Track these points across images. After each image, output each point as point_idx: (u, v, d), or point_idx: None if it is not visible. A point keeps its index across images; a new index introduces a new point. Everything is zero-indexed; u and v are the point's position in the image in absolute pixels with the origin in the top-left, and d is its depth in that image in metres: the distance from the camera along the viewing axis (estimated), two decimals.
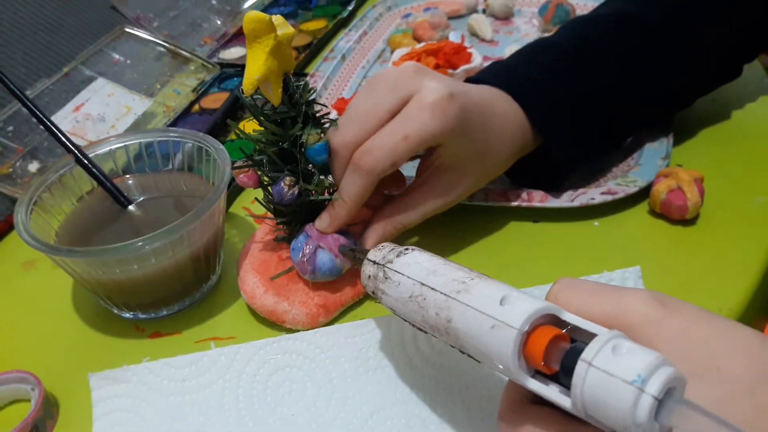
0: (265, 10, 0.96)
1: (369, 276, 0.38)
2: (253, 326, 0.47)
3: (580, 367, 0.27)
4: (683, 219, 0.52)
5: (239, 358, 0.43)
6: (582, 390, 0.27)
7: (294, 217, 0.46)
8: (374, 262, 0.38)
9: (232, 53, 0.86)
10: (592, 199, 0.54)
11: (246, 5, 0.96)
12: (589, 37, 0.56)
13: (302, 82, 0.43)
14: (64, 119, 0.68)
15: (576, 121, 0.53)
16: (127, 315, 0.49)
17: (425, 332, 0.36)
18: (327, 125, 0.45)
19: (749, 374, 0.29)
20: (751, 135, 0.62)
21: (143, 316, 0.48)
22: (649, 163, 0.57)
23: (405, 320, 0.37)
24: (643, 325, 0.30)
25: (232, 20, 0.92)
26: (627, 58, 0.55)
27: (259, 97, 0.42)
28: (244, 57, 0.84)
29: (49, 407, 0.43)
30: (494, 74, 0.53)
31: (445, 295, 0.33)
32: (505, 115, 0.50)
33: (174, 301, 0.48)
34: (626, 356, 0.27)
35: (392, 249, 0.38)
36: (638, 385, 0.26)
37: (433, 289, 0.34)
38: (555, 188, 0.55)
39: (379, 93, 0.44)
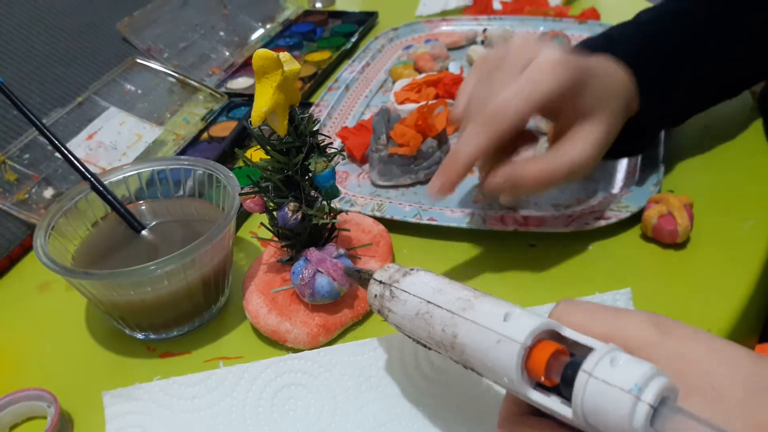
0: (271, 41, 0.99)
1: (375, 295, 0.40)
2: (258, 346, 0.49)
3: (581, 378, 0.29)
4: (674, 243, 0.54)
5: (246, 377, 0.45)
6: (582, 399, 0.29)
7: (297, 240, 0.48)
8: (381, 282, 0.40)
9: (239, 83, 0.89)
10: (587, 224, 0.56)
11: (253, 37, 0.99)
12: (679, 11, 0.59)
13: (307, 114, 0.45)
14: (77, 147, 0.71)
15: (672, 84, 0.56)
16: (139, 336, 0.51)
17: (429, 348, 0.38)
18: (332, 153, 0.47)
19: (742, 392, 0.30)
20: (741, 161, 0.65)
21: (154, 336, 0.50)
22: (641, 189, 0.59)
23: (410, 337, 0.39)
24: (639, 347, 0.32)
25: (240, 51, 0.95)
26: (719, 28, 0.58)
27: (266, 127, 0.45)
28: (251, 87, 0.87)
29: (64, 424, 0.45)
30: (595, 45, 0.56)
31: (451, 312, 0.35)
32: (616, 72, 0.52)
33: (184, 321, 0.50)
34: (623, 367, 0.29)
35: (398, 269, 0.40)
36: (635, 393, 0.27)
37: (439, 306, 0.36)
38: (637, 153, 0.60)
39: (502, 68, 0.48)
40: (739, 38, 0.59)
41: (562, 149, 0.48)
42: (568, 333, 0.32)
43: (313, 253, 0.47)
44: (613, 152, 0.53)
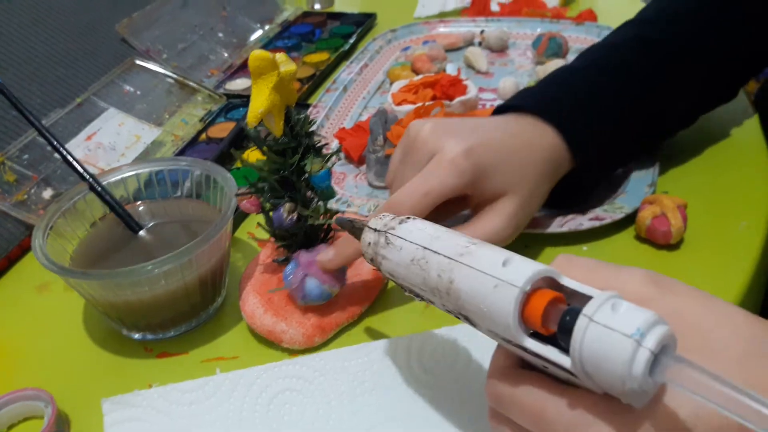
0: (270, 42, 1.00)
1: (369, 243, 0.39)
2: (254, 346, 0.50)
3: (581, 322, 0.29)
4: (668, 244, 0.55)
5: (243, 383, 0.46)
6: (581, 345, 0.28)
7: (293, 240, 0.49)
8: (375, 230, 0.39)
9: (237, 84, 0.90)
10: (581, 225, 0.56)
11: (252, 38, 0.99)
12: (609, 60, 0.59)
13: (303, 115, 0.46)
14: (77, 147, 0.71)
15: (606, 145, 0.56)
16: (136, 336, 0.51)
17: (421, 298, 0.37)
18: (328, 154, 0.48)
19: (738, 351, 0.30)
20: (736, 162, 0.65)
21: (151, 336, 0.51)
22: (635, 191, 0.59)
23: (403, 286, 0.38)
24: (637, 303, 0.31)
25: (238, 53, 0.95)
26: (645, 79, 0.58)
27: (263, 128, 0.45)
28: (249, 88, 0.88)
29: (61, 424, 0.45)
30: (524, 100, 0.56)
31: (449, 257, 0.34)
32: (538, 141, 0.52)
33: (181, 322, 0.51)
34: (625, 313, 0.28)
35: (393, 218, 0.39)
36: (637, 338, 0.27)
37: (436, 252, 0.35)
38: (576, 205, 0.58)
39: (409, 159, 0.50)
40: (670, 91, 0.59)
41: (478, 224, 0.50)
42: (566, 282, 0.31)
43: (302, 255, 0.47)
44: (557, 203, 0.56)
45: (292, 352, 0.48)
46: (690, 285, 0.33)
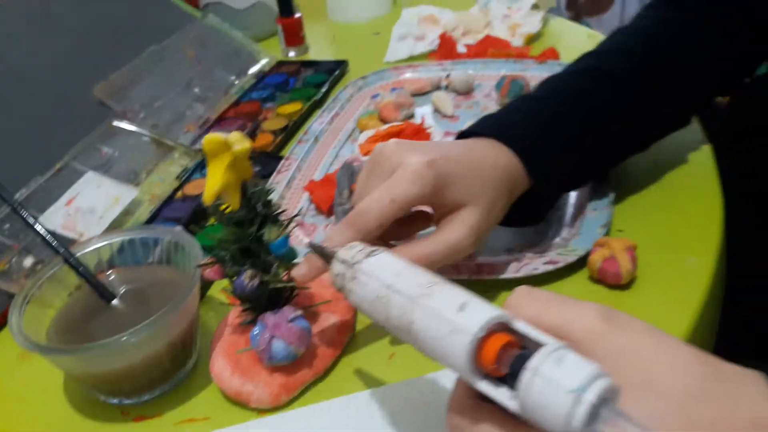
0: (245, 94, 1.03)
1: (337, 274, 0.41)
2: (225, 406, 0.52)
3: (526, 374, 0.30)
4: (619, 284, 0.57)
5: None
6: (526, 395, 0.30)
7: (257, 303, 0.51)
8: (343, 261, 0.41)
9: None
10: (536, 269, 0.59)
11: (228, 92, 1.03)
12: (566, 89, 0.63)
13: (259, 188, 0.49)
14: (57, 212, 0.74)
15: (560, 164, 0.59)
16: (113, 401, 0.53)
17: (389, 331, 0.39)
18: (286, 222, 0.51)
19: (683, 391, 0.31)
20: (686, 198, 0.67)
21: (128, 401, 0.53)
22: (588, 232, 0.62)
23: (370, 317, 0.40)
24: (587, 339, 0.33)
25: (214, 107, 0.98)
26: (598, 108, 0.62)
27: (221, 202, 0.48)
28: None
29: None
30: (484, 125, 0.60)
31: (409, 298, 0.36)
32: (494, 160, 0.56)
33: (155, 386, 0.53)
34: (568, 366, 0.30)
35: (361, 249, 0.41)
36: (576, 395, 0.29)
37: (398, 291, 0.37)
38: (535, 223, 0.63)
39: (375, 172, 0.53)
40: (623, 118, 0.63)
41: (441, 235, 0.53)
42: (519, 326, 0.33)
43: (268, 318, 0.50)
44: (516, 221, 0.59)
45: (261, 411, 0.51)
46: (642, 321, 0.35)
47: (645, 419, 0.30)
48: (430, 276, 0.37)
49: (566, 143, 0.60)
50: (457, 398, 0.37)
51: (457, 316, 0.34)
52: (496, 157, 0.56)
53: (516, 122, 0.60)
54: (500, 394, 0.32)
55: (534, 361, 0.31)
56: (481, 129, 0.59)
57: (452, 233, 0.52)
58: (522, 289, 0.37)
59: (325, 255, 0.44)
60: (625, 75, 0.63)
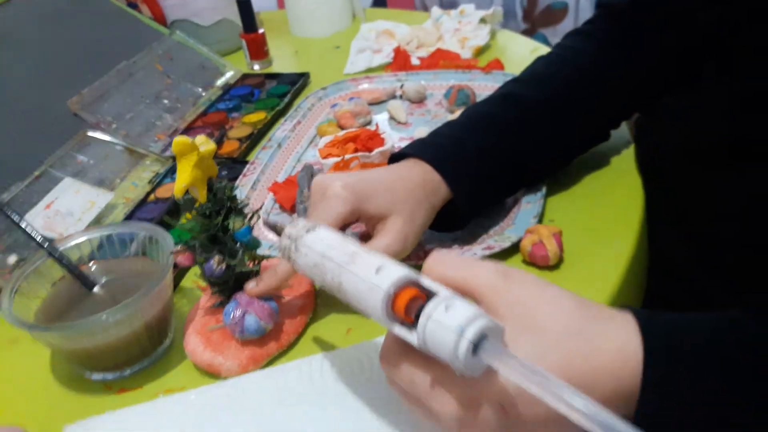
0: (212, 105, 1.09)
1: (284, 247, 0.48)
2: (199, 378, 0.58)
3: (422, 319, 0.38)
4: (548, 266, 0.65)
5: (181, 404, 0.55)
6: (424, 335, 0.38)
7: (225, 286, 0.58)
8: (289, 236, 0.49)
9: None
10: (475, 254, 0.66)
11: (195, 103, 1.09)
12: (483, 113, 0.72)
13: (224, 183, 0.55)
14: (37, 216, 0.80)
15: (474, 176, 0.67)
16: (97, 377, 0.59)
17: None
18: (250, 214, 0.57)
19: (562, 331, 0.39)
20: (611, 188, 0.76)
21: (110, 376, 0.59)
22: (522, 222, 0.70)
23: (312, 280, 0.48)
24: (488, 293, 0.40)
25: (183, 117, 1.05)
26: (510, 128, 0.70)
27: (190, 196, 0.54)
28: None
29: None
30: (410, 147, 0.69)
31: (338, 264, 0.44)
32: (410, 174, 0.64)
33: (135, 362, 0.59)
34: (453, 311, 0.37)
35: (303, 226, 0.48)
36: (458, 332, 0.36)
37: (330, 259, 0.44)
38: (459, 229, 0.70)
39: (314, 202, 0.62)
40: (529, 140, 0.71)
41: (375, 242, 0.61)
42: (424, 282, 0.40)
43: (242, 296, 0.56)
44: (445, 226, 0.68)
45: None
46: (533, 275, 0.42)
47: (530, 354, 0.37)
48: (355, 247, 0.45)
49: (479, 155, 0.68)
50: (386, 347, 0.44)
51: (374, 277, 0.41)
52: (410, 171, 0.64)
53: (436, 143, 0.69)
54: (409, 335, 0.40)
55: (428, 308, 0.38)
56: (408, 150, 0.68)
57: (383, 239, 0.60)
58: (436, 253, 0.44)
59: (276, 230, 0.52)
60: (533, 100, 0.72)
